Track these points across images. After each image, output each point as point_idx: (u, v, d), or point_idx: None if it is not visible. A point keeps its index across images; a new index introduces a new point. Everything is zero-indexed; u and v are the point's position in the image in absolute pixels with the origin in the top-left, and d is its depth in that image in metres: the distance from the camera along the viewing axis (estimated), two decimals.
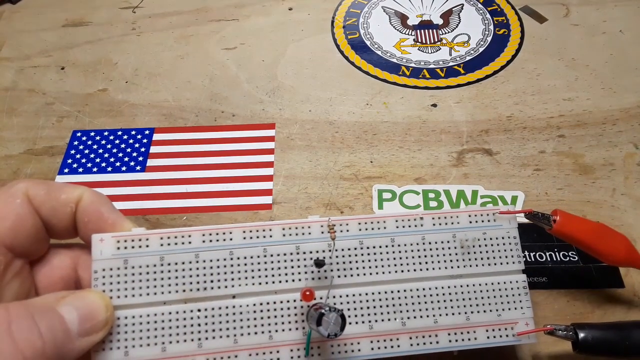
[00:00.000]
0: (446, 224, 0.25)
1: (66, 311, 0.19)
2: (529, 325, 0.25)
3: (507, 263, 0.25)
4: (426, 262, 0.25)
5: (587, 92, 0.44)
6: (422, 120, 0.43)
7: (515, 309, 0.25)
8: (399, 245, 0.25)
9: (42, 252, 0.23)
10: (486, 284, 0.25)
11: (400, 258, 0.25)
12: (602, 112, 0.43)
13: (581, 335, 0.26)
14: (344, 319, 0.21)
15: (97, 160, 0.42)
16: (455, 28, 0.51)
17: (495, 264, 0.25)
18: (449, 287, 0.25)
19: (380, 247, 0.25)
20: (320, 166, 0.41)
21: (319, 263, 0.23)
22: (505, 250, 0.26)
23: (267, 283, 0.23)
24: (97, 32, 0.52)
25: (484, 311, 0.25)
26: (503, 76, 0.46)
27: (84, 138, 0.43)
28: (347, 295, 0.24)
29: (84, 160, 0.42)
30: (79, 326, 0.19)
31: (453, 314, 0.24)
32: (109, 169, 0.41)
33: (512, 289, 0.25)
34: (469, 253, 0.25)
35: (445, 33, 0.50)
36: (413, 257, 0.25)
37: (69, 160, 0.42)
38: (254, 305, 0.23)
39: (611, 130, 0.41)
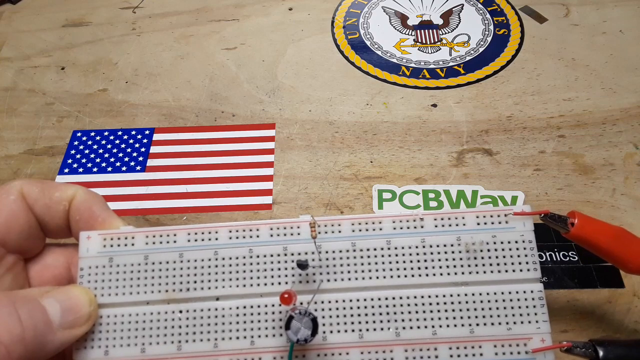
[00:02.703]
0: (450, 225, 0.23)
1: (49, 303, 0.19)
2: (545, 341, 0.22)
3: (521, 270, 0.23)
4: (425, 267, 0.23)
5: (587, 92, 0.44)
6: (422, 120, 0.43)
7: (529, 322, 0.22)
8: (395, 248, 0.23)
9: (37, 250, 0.23)
10: (495, 293, 0.22)
11: (397, 262, 0.23)
12: (602, 112, 0.43)
13: (601, 353, 0.23)
14: (316, 323, 0.20)
15: (97, 160, 0.42)
16: (455, 28, 0.51)
17: (506, 271, 0.23)
18: (450, 295, 0.22)
19: (374, 249, 0.23)
20: (320, 166, 0.41)
21: (302, 264, 0.22)
22: (518, 256, 0.23)
23: (251, 285, 0.22)
24: (97, 32, 0.52)
25: (492, 324, 0.22)
26: (503, 76, 0.46)
27: (84, 138, 0.43)
28: (335, 301, 0.22)
29: (84, 160, 0.42)
30: (61, 318, 0.19)
31: (455, 325, 0.22)
32: (109, 169, 0.41)
33: (525, 299, 0.22)
34: (475, 258, 0.23)
35: (445, 33, 0.50)
36: (411, 262, 0.23)
37: (69, 160, 0.42)
38: (237, 308, 0.22)
39: (611, 130, 0.41)
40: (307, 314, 0.20)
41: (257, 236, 0.23)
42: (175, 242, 0.23)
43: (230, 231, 0.23)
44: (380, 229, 0.23)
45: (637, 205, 0.37)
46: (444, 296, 0.22)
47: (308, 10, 0.53)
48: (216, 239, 0.23)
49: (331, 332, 0.22)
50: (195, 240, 0.23)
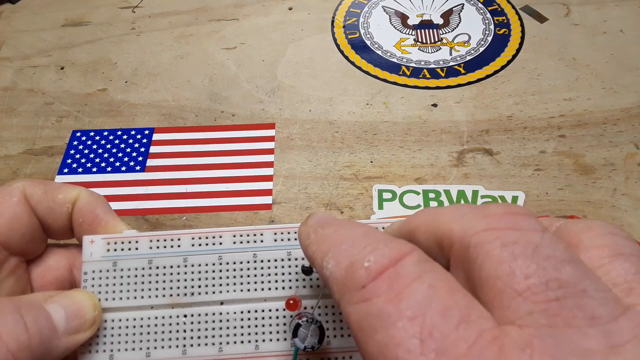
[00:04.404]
0: None
1: (53, 309, 0.19)
2: None
3: None
4: None
5: (588, 92, 0.44)
6: (422, 120, 0.43)
7: None
8: None
9: (39, 252, 0.23)
10: None
11: None
12: (602, 112, 0.43)
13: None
14: (323, 330, 0.20)
15: (97, 160, 0.42)
16: (455, 28, 0.51)
17: None
18: None
19: None
20: (320, 166, 0.40)
21: (306, 270, 0.22)
22: None
23: (256, 290, 0.22)
24: (97, 31, 0.52)
25: None
26: (503, 76, 0.46)
27: (83, 138, 0.43)
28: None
29: (83, 160, 0.42)
30: (65, 324, 0.19)
31: None
32: (109, 169, 0.41)
33: None
34: None
35: (446, 33, 0.50)
36: None
37: (69, 160, 0.42)
38: (242, 312, 0.22)
39: (612, 130, 0.41)
40: (314, 322, 0.20)
41: (261, 241, 0.23)
42: (179, 246, 0.23)
43: (234, 236, 0.23)
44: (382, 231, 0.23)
45: (638, 206, 0.37)
46: None
47: (308, 10, 0.53)
48: (220, 243, 0.23)
49: (334, 336, 0.22)
50: (200, 245, 0.23)
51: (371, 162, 0.40)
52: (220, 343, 0.22)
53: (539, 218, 0.17)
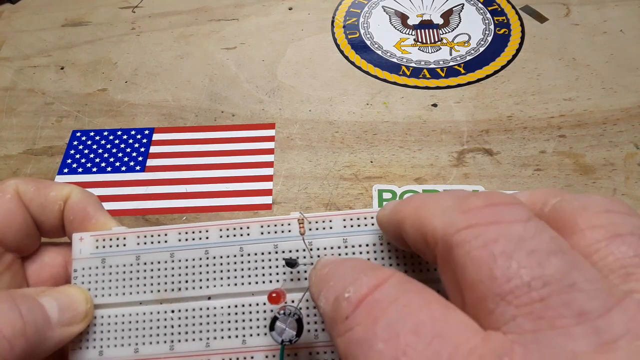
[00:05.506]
0: None
1: (46, 301, 0.20)
2: None
3: None
4: (419, 263, 0.21)
5: (588, 92, 0.44)
6: (422, 120, 0.43)
7: None
8: (388, 244, 0.22)
9: (33, 249, 0.23)
10: None
11: (390, 257, 0.22)
12: (602, 112, 0.43)
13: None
14: (301, 323, 0.20)
15: (97, 160, 0.42)
16: (455, 28, 0.51)
17: None
18: (438, 291, 0.22)
19: (367, 245, 0.22)
20: (320, 166, 0.40)
21: (291, 263, 0.21)
22: None
23: (243, 284, 0.22)
24: (97, 31, 0.52)
25: None
26: (503, 76, 0.46)
27: (83, 138, 0.43)
28: None
29: (83, 160, 0.42)
30: (58, 315, 0.20)
31: None
32: (109, 169, 0.41)
33: None
34: None
35: (446, 33, 0.50)
36: (404, 257, 0.21)
37: (69, 160, 0.42)
38: (229, 307, 0.22)
39: (612, 130, 0.41)
40: (291, 315, 0.20)
41: (248, 234, 0.22)
42: (166, 241, 0.22)
43: (220, 230, 0.23)
44: (373, 225, 0.22)
45: (638, 206, 0.37)
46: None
47: (308, 10, 0.53)
48: (207, 238, 0.22)
49: (323, 330, 0.22)
50: (186, 240, 0.22)
51: (371, 162, 0.40)
52: (208, 338, 0.21)
53: (535, 191, 0.17)
